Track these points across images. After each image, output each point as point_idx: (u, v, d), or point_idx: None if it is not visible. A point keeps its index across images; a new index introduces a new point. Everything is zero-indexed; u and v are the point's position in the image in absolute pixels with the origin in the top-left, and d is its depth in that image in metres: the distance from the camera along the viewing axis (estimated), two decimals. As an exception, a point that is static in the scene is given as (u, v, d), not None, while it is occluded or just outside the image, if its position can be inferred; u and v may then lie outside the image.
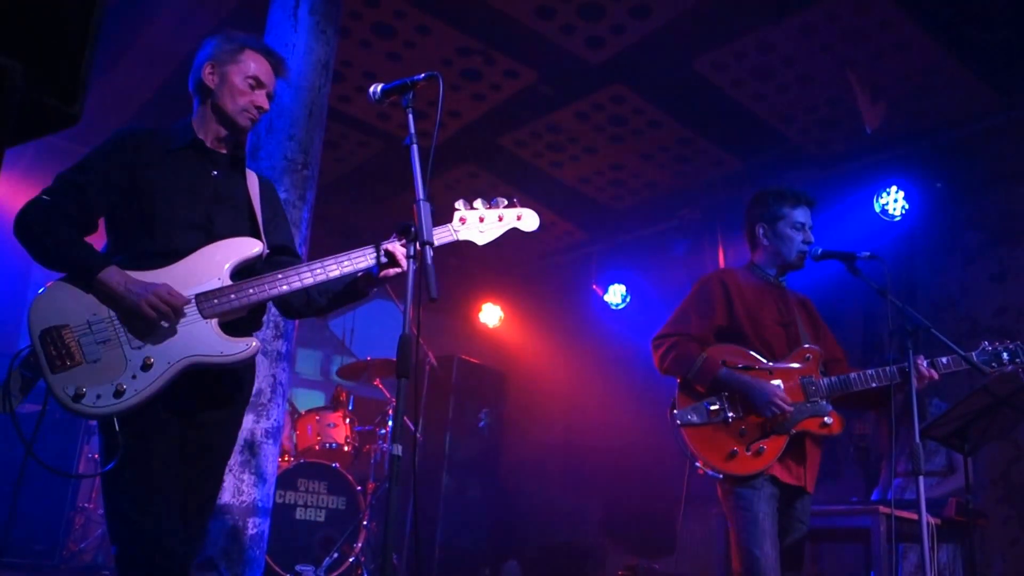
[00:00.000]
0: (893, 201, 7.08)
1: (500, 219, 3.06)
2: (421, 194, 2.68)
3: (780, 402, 3.57)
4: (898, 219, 7.06)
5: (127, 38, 6.63)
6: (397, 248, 2.84)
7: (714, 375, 3.64)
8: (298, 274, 2.84)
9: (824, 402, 3.69)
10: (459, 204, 3.03)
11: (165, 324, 2.67)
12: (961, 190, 6.94)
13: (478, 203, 3.05)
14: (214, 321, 2.74)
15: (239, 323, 2.83)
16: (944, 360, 3.74)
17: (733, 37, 6.28)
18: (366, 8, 6.25)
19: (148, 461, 2.66)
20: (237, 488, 4.44)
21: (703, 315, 3.82)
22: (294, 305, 3.07)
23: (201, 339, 2.71)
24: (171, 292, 2.67)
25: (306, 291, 2.95)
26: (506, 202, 3.08)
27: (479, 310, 10.34)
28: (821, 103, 6.88)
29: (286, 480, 6.17)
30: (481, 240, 3.04)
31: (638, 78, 6.89)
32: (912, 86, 6.53)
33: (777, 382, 3.66)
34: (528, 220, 3.11)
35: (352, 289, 3.04)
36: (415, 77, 2.83)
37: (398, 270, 2.86)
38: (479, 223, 3.03)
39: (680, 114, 7.32)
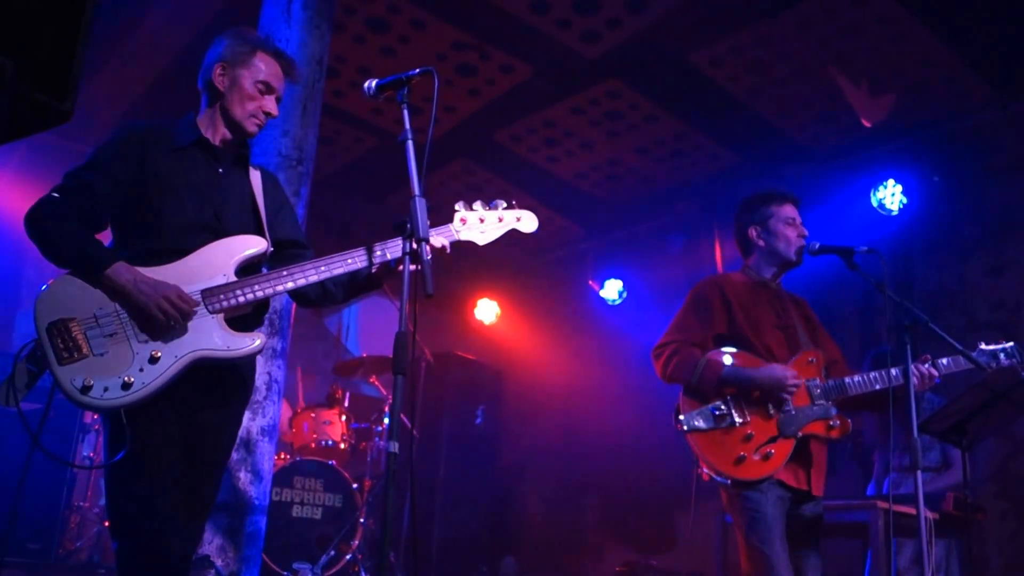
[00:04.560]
0: (890, 195, 7.07)
1: (500, 220, 3.10)
2: (417, 190, 2.69)
3: (793, 379, 3.57)
4: (895, 213, 7.05)
5: (119, 33, 6.60)
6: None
7: (718, 375, 3.62)
8: (303, 271, 2.87)
9: (830, 405, 3.68)
10: (459, 206, 3.06)
11: (167, 328, 2.67)
12: (958, 184, 6.93)
13: (477, 205, 3.08)
14: (220, 316, 2.76)
15: (242, 320, 2.85)
16: (945, 361, 3.74)
17: (729, 31, 6.27)
18: (360, 3, 6.23)
19: (151, 460, 2.68)
20: (233, 486, 4.43)
21: (702, 321, 3.80)
22: (310, 296, 3.09)
23: (208, 334, 2.73)
24: (181, 296, 2.68)
25: (322, 284, 2.97)
26: (505, 204, 3.12)
27: (475, 306, 10.33)
28: (818, 97, 6.87)
29: (282, 478, 6.15)
30: (482, 240, 3.08)
31: (634, 73, 6.87)
32: (909, 80, 6.52)
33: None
34: (527, 221, 3.15)
35: (367, 281, 3.06)
36: (410, 72, 2.84)
37: (412, 267, 2.86)
38: (479, 223, 3.07)
39: (676, 109, 7.31)
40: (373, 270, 2.98)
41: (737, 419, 3.61)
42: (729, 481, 3.59)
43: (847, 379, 3.71)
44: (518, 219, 3.13)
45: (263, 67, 3.03)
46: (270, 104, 3.04)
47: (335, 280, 2.98)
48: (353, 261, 2.91)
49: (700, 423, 3.63)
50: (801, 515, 3.68)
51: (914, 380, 3.60)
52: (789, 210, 3.93)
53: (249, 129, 3.02)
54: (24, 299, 7.41)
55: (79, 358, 2.57)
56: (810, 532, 3.72)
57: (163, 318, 2.64)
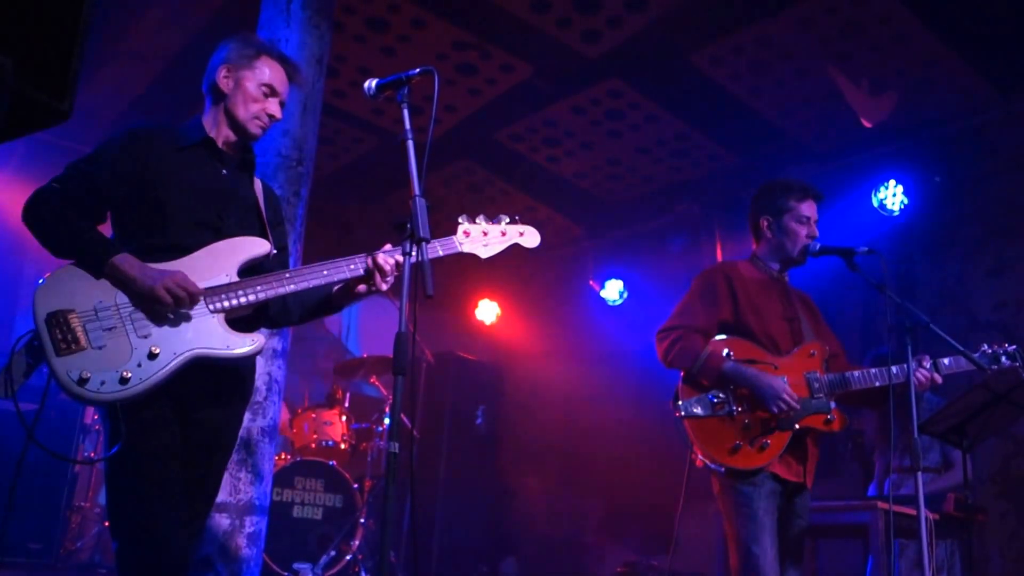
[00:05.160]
0: (892, 195, 7.05)
1: (503, 234, 3.12)
2: (417, 190, 2.69)
3: (788, 398, 3.55)
4: (896, 214, 7.04)
5: (118, 34, 6.60)
6: (384, 263, 2.88)
7: (719, 369, 3.61)
8: (304, 275, 2.88)
9: (827, 399, 3.67)
10: (462, 218, 3.08)
11: (179, 311, 2.68)
12: (960, 184, 6.92)
13: (480, 219, 3.10)
14: (220, 316, 2.76)
15: (242, 321, 2.85)
16: (946, 362, 3.74)
17: (730, 31, 6.26)
18: (360, 2, 6.22)
19: (151, 460, 2.68)
20: (234, 486, 4.42)
21: (707, 308, 3.79)
22: (270, 314, 3.09)
23: (208, 332, 2.72)
24: (187, 280, 2.69)
25: (284, 300, 2.99)
26: (507, 219, 3.13)
27: (475, 306, 10.32)
28: (819, 97, 6.86)
29: (283, 478, 6.15)
30: (485, 253, 3.09)
31: (635, 72, 6.86)
32: (910, 80, 6.51)
33: (783, 377, 3.64)
34: (530, 237, 3.16)
35: (326, 305, 3.09)
36: (410, 72, 2.83)
37: (366, 287, 2.93)
38: (483, 237, 3.08)
39: (677, 109, 7.30)
40: (334, 290, 3.02)
41: (735, 408, 3.61)
42: (723, 469, 3.58)
43: (847, 374, 3.71)
44: (521, 234, 3.14)
45: (267, 70, 3.05)
46: (273, 107, 3.06)
47: (296, 298, 3.00)
48: (356, 267, 2.92)
49: (698, 410, 3.63)
50: (792, 513, 3.69)
51: (916, 379, 3.61)
52: (807, 208, 3.89)
53: (252, 131, 3.04)
54: (23, 298, 7.41)
55: (77, 350, 2.56)
56: (798, 535, 3.72)
57: (169, 299, 2.64)
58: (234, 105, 3.00)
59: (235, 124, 3.02)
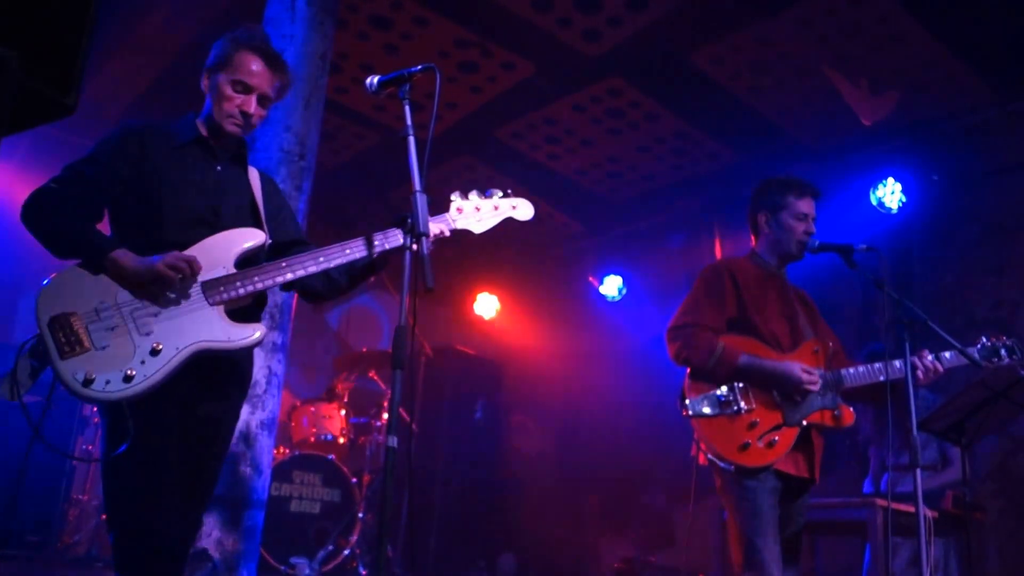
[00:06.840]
0: (890, 194, 7.07)
1: (496, 208, 3.11)
2: (418, 185, 2.70)
3: (809, 380, 3.59)
4: (895, 212, 7.06)
5: (124, 28, 6.61)
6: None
7: (735, 364, 3.62)
8: (301, 263, 2.89)
9: (834, 395, 3.69)
10: (455, 195, 3.08)
11: (180, 302, 2.69)
12: (958, 183, 6.94)
13: (473, 194, 3.10)
14: (220, 308, 2.77)
15: (241, 312, 2.86)
16: (948, 355, 3.74)
17: (730, 30, 6.27)
18: (363, 0, 6.24)
19: (149, 452, 2.69)
20: (232, 480, 4.44)
21: (715, 305, 3.79)
22: (316, 288, 3.11)
23: (209, 325, 2.74)
24: (181, 255, 2.71)
25: (327, 272, 2.98)
26: (500, 193, 3.13)
27: (475, 301, 10.33)
28: (817, 96, 6.87)
29: (281, 472, 6.16)
30: (478, 228, 3.09)
31: (635, 71, 6.88)
32: (909, 79, 6.53)
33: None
34: (523, 209, 3.17)
35: (368, 266, 3.06)
36: (412, 69, 2.84)
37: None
38: (475, 212, 3.08)
39: (677, 107, 7.31)
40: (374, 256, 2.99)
41: (743, 406, 3.61)
42: (733, 468, 3.58)
43: (851, 370, 3.72)
44: (514, 207, 3.14)
45: (240, 66, 3.00)
46: (248, 104, 3.00)
47: (339, 267, 2.99)
48: (351, 251, 2.92)
49: (707, 409, 3.62)
50: (791, 511, 3.70)
51: (918, 374, 3.62)
52: (805, 205, 3.90)
53: (229, 130, 3.01)
54: (27, 291, 7.41)
55: (80, 351, 2.57)
56: (796, 533, 3.74)
57: (173, 274, 2.66)
58: (213, 106, 3.02)
59: (213, 124, 3.03)
